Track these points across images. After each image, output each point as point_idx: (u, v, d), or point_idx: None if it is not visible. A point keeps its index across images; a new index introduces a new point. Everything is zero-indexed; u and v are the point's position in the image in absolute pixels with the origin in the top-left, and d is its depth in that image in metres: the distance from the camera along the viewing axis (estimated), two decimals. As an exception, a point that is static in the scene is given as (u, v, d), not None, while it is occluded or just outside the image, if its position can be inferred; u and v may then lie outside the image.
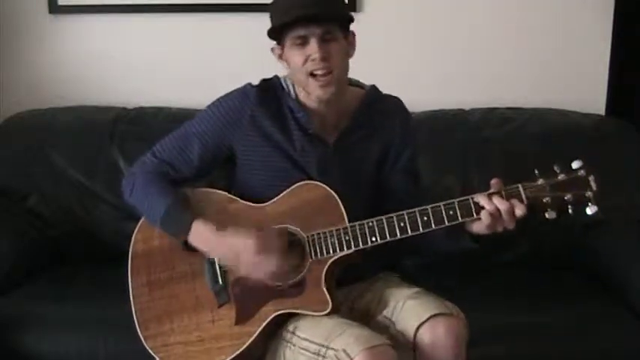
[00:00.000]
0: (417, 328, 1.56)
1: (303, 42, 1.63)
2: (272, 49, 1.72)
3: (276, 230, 1.64)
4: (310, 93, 1.68)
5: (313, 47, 1.62)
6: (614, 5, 2.74)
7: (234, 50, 2.78)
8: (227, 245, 1.63)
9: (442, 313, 1.56)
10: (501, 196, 1.54)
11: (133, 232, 1.79)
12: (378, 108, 1.79)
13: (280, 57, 1.71)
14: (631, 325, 2.12)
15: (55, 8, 2.78)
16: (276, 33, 1.67)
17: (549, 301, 2.22)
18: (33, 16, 2.79)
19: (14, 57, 2.82)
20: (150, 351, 1.71)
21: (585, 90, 2.79)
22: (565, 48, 2.78)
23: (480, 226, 1.56)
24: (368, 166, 1.78)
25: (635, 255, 2.26)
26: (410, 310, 1.60)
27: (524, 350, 2.06)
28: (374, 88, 1.82)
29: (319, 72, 1.63)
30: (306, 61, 1.64)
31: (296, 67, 1.66)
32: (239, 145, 1.74)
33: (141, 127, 2.61)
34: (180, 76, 2.80)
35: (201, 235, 1.65)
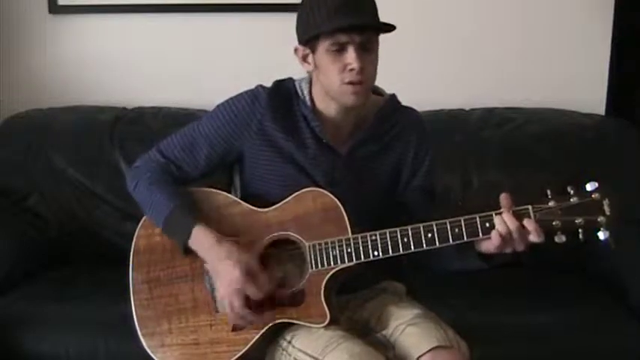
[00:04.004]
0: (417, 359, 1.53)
1: (340, 49, 1.57)
2: (295, 50, 1.67)
3: (263, 282, 1.61)
4: (340, 100, 1.63)
5: (352, 56, 1.56)
6: (614, 5, 2.74)
7: (234, 50, 2.78)
8: (216, 261, 1.61)
9: (443, 345, 1.53)
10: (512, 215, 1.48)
11: (133, 232, 1.77)
12: (394, 120, 1.74)
13: (304, 59, 1.66)
14: (631, 326, 2.12)
15: (55, 8, 2.78)
16: (312, 36, 1.60)
17: (549, 302, 2.21)
18: (33, 16, 2.79)
19: (14, 57, 2.82)
20: (147, 350, 1.70)
21: (585, 90, 2.79)
22: (565, 48, 2.78)
23: (488, 245, 1.51)
24: (379, 179, 1.74)
25: (635, 255, 2.26)
26: (410, 337, 1.56)
27: (523, 351, 2.06)
28: (393, 97, 1.77)
29: (355, 81, 1.58)
30: (343, 69, 1.57)
31: (330, 74, 1.59)
32: (247, 149, 1.71)
33: (141, 127, 2.61)
34: (180, 76, 2.80)
35: (199, 241, 1.63)
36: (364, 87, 1.61)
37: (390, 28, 1.60)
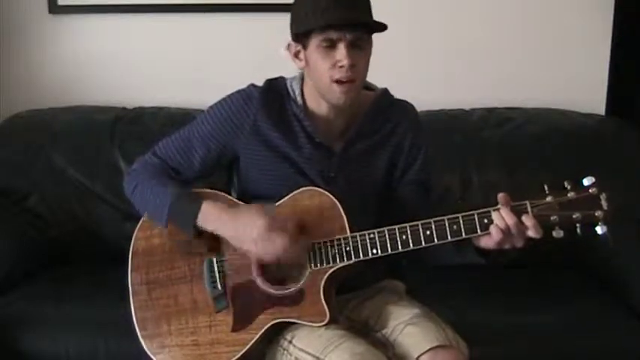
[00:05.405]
0: (417, 359, 1.53)
1: (331, 45, 1.56)
2: (287, 46, 1.66)
3: (287, 218, 1.60)
4: (329, 98, 1.63)
5: (342, 53, 1.55)
6: (614, 5, 2.74)
7: (234, 50, 2.78)
8: (237, 222, 1.59)
9: (442, 345, 1.53)
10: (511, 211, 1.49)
11: (133, 231, 1.77)
12: (387, 115, 1.74)
13: (296, 55, 1.66)
14: (631, 325, 2.12)
15: (55, 8, 2.78)
16: (302, 33, 1.60)
17: (548, 301, 2.22)
18: (33, 16, 2.79)
19: (14, 57, 2.82)
20: (147, 352, 1.70)
21: (585, 90, 2.79)
22: (565, 48, 2.79)
23: (487, 241, 1.51)
24: (375, 175, 1.74)
25: (635, 255, 2.26)
26: (410, 337, 1.56)
27: (523, 351, 2.06)
28: (385, 92, 1.77)
29: (344, 79, 1.59)
30: (333, 66, 1.57)
31: (319, 70, 1.59)
32: (241, 149, 1.71)
33: (141, 127, 2.61)
34: (180, 76, 2.80)
35: (211, 214, 1.61)
36: (354, 85, 1.61)
37: (381, 27, 1.58)
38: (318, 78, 1.62)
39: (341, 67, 1.57)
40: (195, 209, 1.62)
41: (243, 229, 1.58)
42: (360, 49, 1.59)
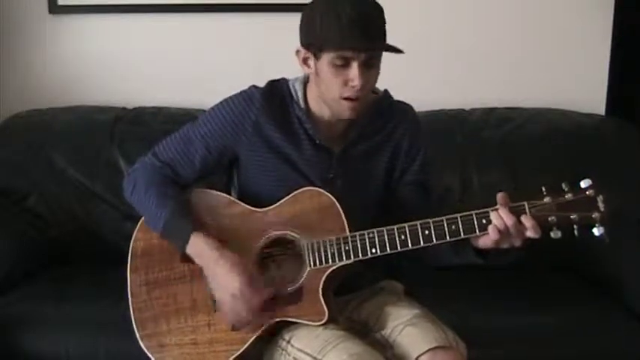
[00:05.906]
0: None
1: (345, 63, 1.56)
2: (297, 52, 1.65)
3: (263, 288, 1.61)
4: (336, 111, 1.64)
5: (355, 73, 1.56)
6: (614, 5, 2.74)
7: (234, 50, 2.78)
8: (216, 269, 1.61)
9: (441, 346, 1.53)
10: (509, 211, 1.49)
11: (133, 231, 1.77)
12: (387, 117, 1.75)
13: (305, 61, 1.65)
14: (630, 326, 2.12)
15: (55, 8, 2.78)
16: (318, 45, 1.59)
17: (548, 302, 2.22)
18: (33, 16, 2.79)
19: (14, 57, 2.82)
20: (146, 351, 1.70)
21: (585, 90, 2.79)
22: (565, 48, 2.79)
23: (485, 240, 1.52)
24: (375, 176, 1.74)
25: (635, 255, 2.26)
26: (409, 337, 1.57)
27: (523, 352, 2.06)
28: (386, 94, 1.77)
29: (354, 97, 1.59)
30: (344, 84, 1.57)
31: (329, 86, 1.60)
32: (242, 150, 1.72)
33: (141, 127, 2.61)
34: (180, 76, 2.80)
35: (197, 248, 1.63)
36: (362, 102, 1.62)
37: (397, 50, 1.58)
38: (326, 91, 1.62)
39: (353, 86, 1.57)
40: (185, 240, 1.63)
41: (222, 281, 1.61)
42: (372, 67, 1.60)
